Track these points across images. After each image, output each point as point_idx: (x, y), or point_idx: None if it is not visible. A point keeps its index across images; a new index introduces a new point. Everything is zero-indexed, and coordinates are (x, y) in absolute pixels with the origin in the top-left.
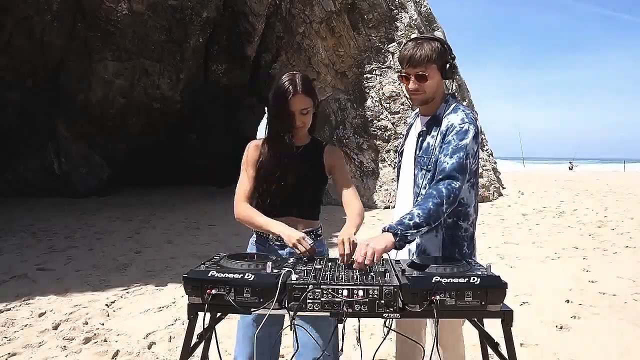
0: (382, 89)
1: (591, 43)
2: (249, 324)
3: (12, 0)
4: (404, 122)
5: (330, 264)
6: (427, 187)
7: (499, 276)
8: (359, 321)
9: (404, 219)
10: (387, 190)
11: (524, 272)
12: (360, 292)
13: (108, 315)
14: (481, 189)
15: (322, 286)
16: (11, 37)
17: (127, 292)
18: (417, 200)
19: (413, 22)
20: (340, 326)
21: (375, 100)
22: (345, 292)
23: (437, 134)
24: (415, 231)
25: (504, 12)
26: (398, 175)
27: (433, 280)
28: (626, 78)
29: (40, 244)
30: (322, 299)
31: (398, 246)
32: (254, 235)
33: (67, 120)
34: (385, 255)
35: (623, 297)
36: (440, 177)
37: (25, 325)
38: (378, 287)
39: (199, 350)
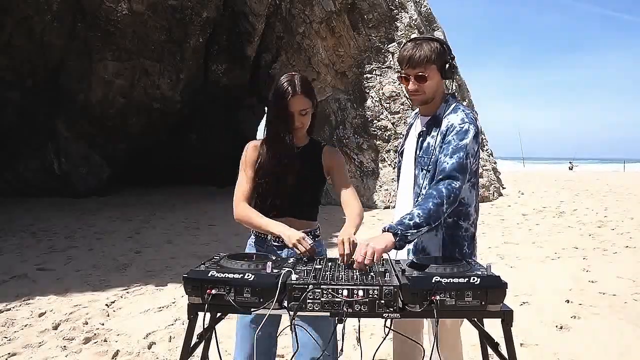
0: (382, 89)
1: (591, 43)
2: (247, 324)
3: (12, 0)
4: (404, 122)
5: (330, 264)
6: (427, 187)
7: (499, 276)
8: (359, 321)
9: (404, 219)
10: (387, 190)
11: (524, 272)
12: (360, 292)
13: (108, 315)
14: (481, 189)
15: (322, 286)
16: (11, 37)
17: (127, 292)
18: (417, 201)
19: (413, 22)
20: (340, 326)
21: (375, 100)
22: (345, 292)
23: (437, 134)
24: (415, 231)
25: (504, 12)
26: (398, 176)
27: (433, 280)
28: (626, 78)
29: (40, 244)
30: (322, 299)
31: (398, 246)
32: (252, 236)
33: (67, 120)
34: (385, 255)
35: (623, 297)
36: (440, 177)
37: (25, 325)
38: (378, 287)
39: (199, 350)
